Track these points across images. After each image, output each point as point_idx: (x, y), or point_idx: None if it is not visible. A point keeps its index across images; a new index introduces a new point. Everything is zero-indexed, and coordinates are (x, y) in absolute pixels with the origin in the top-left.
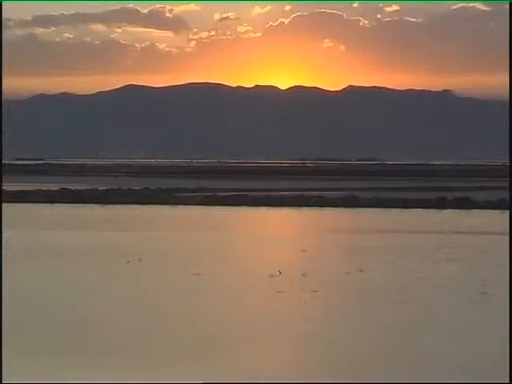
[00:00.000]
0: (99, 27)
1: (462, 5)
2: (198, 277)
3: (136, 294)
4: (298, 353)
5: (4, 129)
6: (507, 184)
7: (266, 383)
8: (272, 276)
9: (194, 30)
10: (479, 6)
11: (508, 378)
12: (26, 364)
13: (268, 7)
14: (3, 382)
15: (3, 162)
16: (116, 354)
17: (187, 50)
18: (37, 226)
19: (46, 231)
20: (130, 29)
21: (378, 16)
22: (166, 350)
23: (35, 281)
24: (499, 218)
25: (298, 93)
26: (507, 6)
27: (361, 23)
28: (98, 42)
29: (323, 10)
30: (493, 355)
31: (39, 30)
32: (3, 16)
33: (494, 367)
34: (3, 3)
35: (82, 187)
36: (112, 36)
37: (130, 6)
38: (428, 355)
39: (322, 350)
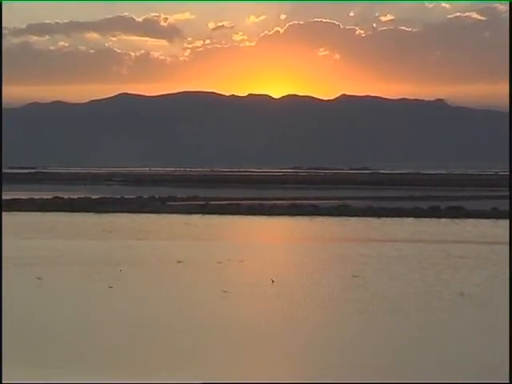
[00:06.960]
0: (94, 36)
1: (457, 14)
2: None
3: (137, 300)
4: (301, 356)
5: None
6: (499, 193)
7: (265, 383)
8: (269, 282)
9: (189, 38)
10: (475, 15)
11: (508, 378)
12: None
13: (263, 16)
14: (3, 382)
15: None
16: (115, 358)
17: (181, 58)
18: (27, 235)
19: (38, 240)
20: (124, 37)
21: (374, 25)
22: (167, 352)
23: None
24: (500, 228)
25: (292, 101)
26: (503, 15)
27: (356, 32)
28: (92, 51)
29: (319, 20)
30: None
31: (33, 39)
32: None
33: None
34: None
35: (75, 195)
36: (107, 44)
37: (125, 14)
38: (430, 357)
39: (334, 355)
